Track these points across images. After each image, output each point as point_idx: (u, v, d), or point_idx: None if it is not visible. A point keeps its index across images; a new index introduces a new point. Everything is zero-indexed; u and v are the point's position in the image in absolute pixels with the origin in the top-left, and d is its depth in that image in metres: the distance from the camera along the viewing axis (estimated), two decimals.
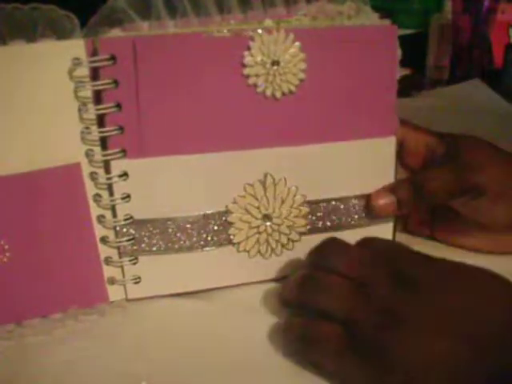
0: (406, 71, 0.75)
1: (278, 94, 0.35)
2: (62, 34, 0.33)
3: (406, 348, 0.28)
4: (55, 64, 0.32)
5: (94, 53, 0.33)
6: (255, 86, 0.35)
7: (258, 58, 0.34)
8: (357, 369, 0.29)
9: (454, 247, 0.41)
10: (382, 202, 0.38)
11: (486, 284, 0.30)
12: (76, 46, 0.32)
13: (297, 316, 0.33)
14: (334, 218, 0.38)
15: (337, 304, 0.31)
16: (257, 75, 0.34)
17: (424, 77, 0.76)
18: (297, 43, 0.35)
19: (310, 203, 0.37)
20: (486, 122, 0.61)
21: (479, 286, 0.30)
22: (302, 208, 0.37)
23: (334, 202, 0.38)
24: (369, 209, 0.38)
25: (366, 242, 0.34)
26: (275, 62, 0.34)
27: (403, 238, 0.41)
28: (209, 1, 0.35)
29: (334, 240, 0.34)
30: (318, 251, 0.34)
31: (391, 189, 0.38)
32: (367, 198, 0.38)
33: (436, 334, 0.28)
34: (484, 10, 0.73)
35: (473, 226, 0.40)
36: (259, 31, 0.34)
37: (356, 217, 0.39)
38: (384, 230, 0.40)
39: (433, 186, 0.38)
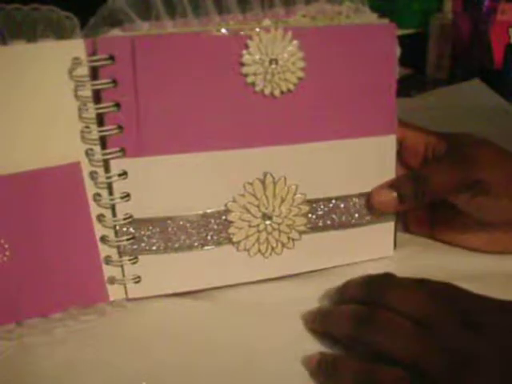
0: (406, 71, 0.75)
1: (277, 93, 0.35)
2: (62, 34, 0.33)
3: None
4: (55, 64, 0.33)
5: (93, 53, 0.33)
6: (254, 84, 0.35)
7: (256, 57, 0.34)
8: None
9: (455, 247, 0.41)
10: (383, 197, 0.38)
11: None
12: (76, 46, 0.33)
13: (340, 351, 0.31)
14: (334, 216, 0.38)
15: (400, 345, 0.29)
16: (255, 74, 0.34)
17: (424, 77, 0.76)
18: (295, 42, 0.35)
19: (310, 202, 0.37)
20: (486, 122, 0.61)
21: None
22: (302, 207, 0.37)
23: (334, 201, 0.38)
24: (370, 204, 0.38)
25: (419, 281, 0.32)
26: (273, 61, 0.34)
27: (403, 238, 0.41)
28: (208, 1, 0.35)
29: (389, 276, 0.33)
30: (373, 285, 0.33)
31: (392, 184, 0.38)
32: (368, 196, 0.38)
33: (506, 376, 0.27)
34: (484, 10, 0.73)
35: (474, 224, 0.40)
36: (257, 30, 0.34)
37: (357, 215, 0.39)
38: (385, 229, 0.40)
39: (434, 182, 0.38)
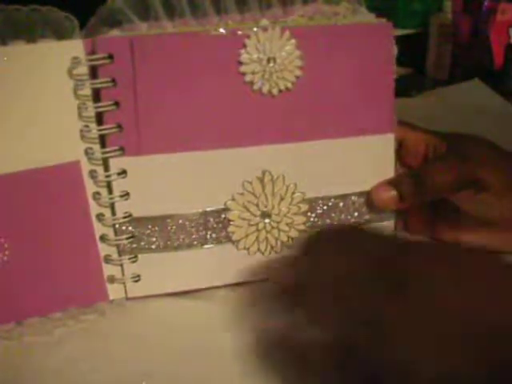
0: (406, 71, 0.75)
1: (275, 91, 0.35)
2: (61, 34, 0.33)
3: (401, 356, 0.27)
4: (55, 64, 0.33)
5: (92, 52, 0.33)
6: (252, 83, 0.35)
7: (254, 56, 0.34)
8: None
9: None
10: (383, 195, 0.38)
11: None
12: (75, 46, 0.33)
13: None
14: (333, 215, 0.38)
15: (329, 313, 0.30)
16: (253, 72, 0.35)
17: (424, 77, 0.76)
18: (292, 41, 0.35)
19: (309, 200, 0.37)
20: (486, 122, 0.61)
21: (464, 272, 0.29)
22: (300, 205, 0.37)
23: (333, 200, 0.38)
24: (370, 202, 0.38)
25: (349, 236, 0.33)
26: (271, 59, 0.35)
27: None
28: (206, 2, 0.35)
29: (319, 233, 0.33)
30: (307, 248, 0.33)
31: (392, 182, 0.38)
32: (368, 194, 0.38)
33: (431, 339, 0.27)
34: (484, 10, 0.73)
35: (475, 223, 0.39)
36: (255, 29, 0.34)
37: (356, 214, 0.39)
38: (385, 228, 0.40)
39: (434, 180, 0.38)
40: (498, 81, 0.72)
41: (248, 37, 0.34)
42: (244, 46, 0.34)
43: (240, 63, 0.34)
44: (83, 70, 0.33)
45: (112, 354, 0.32)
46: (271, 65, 0.35)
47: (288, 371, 0.31)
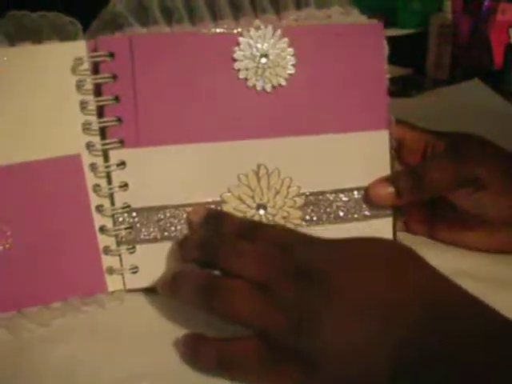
0: (406, 71, 0.75)
1: (268, 88, 0.36)
2: (66, 37, 0.35)
3: (325, 347, 0.27)
4: (59, 63, 0.35)
5: (94, 51, 0.35)
6: (246, 79, 0.36)
7: (247, 52, 0.36)
8: (284, 379, 0.29)
9: (454, 245, 0.41)
10: (381, 191, 0.38)
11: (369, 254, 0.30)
12: (78, 47, 0.35)
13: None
14: (329, 210, 0.39)
15: (245, 312, 0.29)
16: (247, 69, 0.36)
17: (424, 77, 0.76)
18: (285, 39, 0.36)
19: (304, 195, 0.38)
20: (486, 122, 0.61)
21: (367, 257, 0.30)
22: (296, 199, 0.38)
23: (329, 195, 0.38)
24: (367, 198, 0.38)
25: (251, 234, 0.33)
26: (264, 56, 0.36)
27: (403, 237, 0.41)
28: (203, 7, 0.36)
29: (221, 235, 0.33)
30: (208, 248, 0.33)
31: (390, 179, 0.38)
32: (365, 190, 0.39)
33: (350, 323, 0.28)
34: (484, 10, 0.74)
35: (473, 223, 0.40)
36: (248, 28, 0.36)
37: (353, 210, 0.39)
38: (383, 225, 0.40)
39: (432, 177, 0.38)
40: (498, 81, 0.73)
41: (241, 35, 0.36)
42: (238, 43, 0.36)
43: (234, 60, 0.36)
44: (85, 66, 0.35)
45: (111, 348, 0.32)
46: (264, 61, 0.36)
47: None
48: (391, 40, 0.39)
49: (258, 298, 0.29)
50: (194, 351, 0.31)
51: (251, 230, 0.33)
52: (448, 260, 0.40)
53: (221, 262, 0.32)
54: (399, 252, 0.31)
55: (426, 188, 0.38)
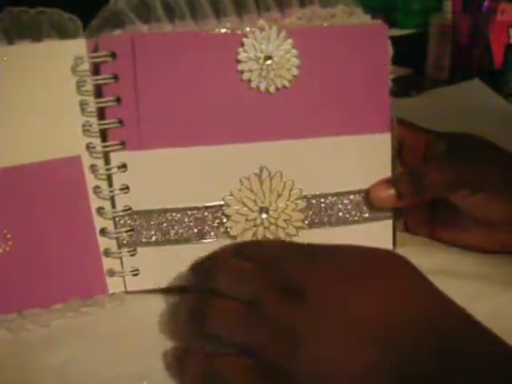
0: (406, 71, 0.75)
1: (272, 89, 0.36)
2: (65, 35, 0.35)
3: (310, 367, 0.27)
4: (58, 62, 0.34)
5: (95, 50, 0.34)
6: (249, 81, 0.36)
7: (252, 54, 0.35)
8: None
9: (454, 246, 0.41)
10: (382, 193, 0.38)
11: (369, 274, 0.29)
12: (78, 46, 0.34)
13: (194, 343, 0.31)
14: (331, 213, 0.39)
15: (236, 333, 0.29)
16: (250, 70, 0.36)
17: (424, 77, 0.76)
18: (289, 40, 0.36)
19: (306, 198, 0.38)
20: (486, 122, 0.61)
21: (364, 279, 0.29)
22: (298, 202, 0.38)
23: (330, 197, 0.38)
24: (368, 200, 0.38)
25: (238, 253, 0.32)
26: (268, 58, 0.36)
27: (403, 238, 0.41)
28: (205, 4, 0.36)
29: (211, 258, 0.33)
30: (199, 273, 0.33)
31: (391, 181, 0.38)
32: (366, 192, 0.39)
33: (344, 349, 0.27)
34: (484, 10, 0.74)
35: (473, 224, 0.40)
36: (252, 29, 0.35)
37: (354, 213, 0.39)
38: (383, 227, 0.40)
39: (432, 179, 0.38)
40: (498, 81, 0.73)
41: (246, 35, 0.35)
42: (242, 44, 0.35)
43: (238, 61, 0.35)
44: (85, 66, 0.34)
45: (111, 350, 0.32)
46: (268, 63, 0.36)
47: None
48: (391, 40, 0.38)
49: (247, 316, 0.29)
50: (181, 364, 0.30)
51: (238, 250, 0.33)
52: (448, 260, 0.40)
53: (212, 283, 0.31)
54: (396, 265, 0.30)
55: (426, 189, 0.38)
